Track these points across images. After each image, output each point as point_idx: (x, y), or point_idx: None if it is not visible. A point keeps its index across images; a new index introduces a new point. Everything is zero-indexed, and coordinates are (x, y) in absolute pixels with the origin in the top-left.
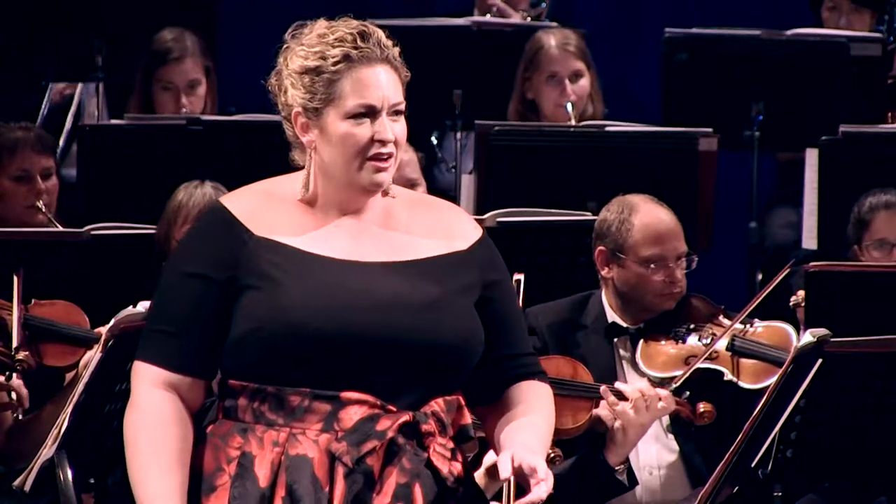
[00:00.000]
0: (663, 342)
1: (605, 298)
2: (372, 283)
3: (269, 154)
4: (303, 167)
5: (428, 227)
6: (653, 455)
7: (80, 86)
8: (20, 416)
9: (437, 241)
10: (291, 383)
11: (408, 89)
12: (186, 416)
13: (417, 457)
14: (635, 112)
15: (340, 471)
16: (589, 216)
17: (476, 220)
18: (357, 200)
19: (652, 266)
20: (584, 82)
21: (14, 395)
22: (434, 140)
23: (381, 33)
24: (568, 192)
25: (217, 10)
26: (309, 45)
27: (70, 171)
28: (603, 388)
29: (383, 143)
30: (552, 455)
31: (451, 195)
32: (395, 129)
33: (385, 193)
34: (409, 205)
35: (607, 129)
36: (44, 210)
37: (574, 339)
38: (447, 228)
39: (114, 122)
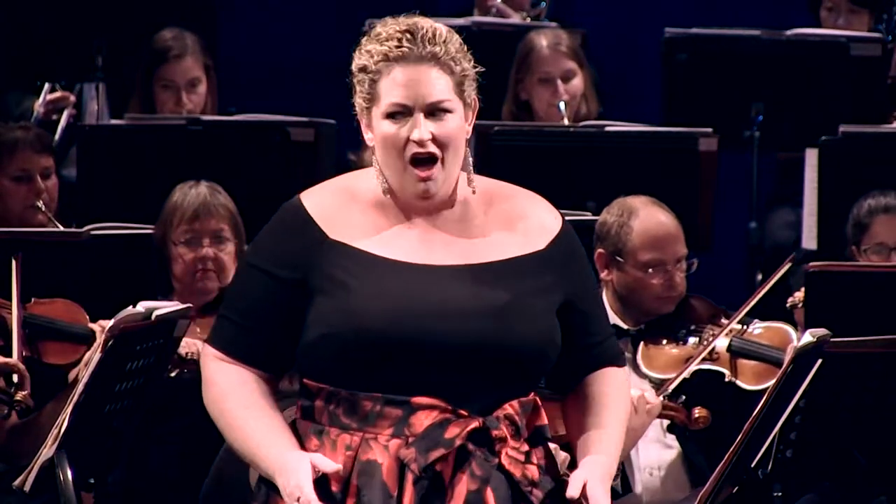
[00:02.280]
0: (664, 344)
1: (606, 300)
2: (441, 287)
3: (268, 154)
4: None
5: (505, 225)
6: (653, 455)
7: (77, 86)
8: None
9: (513, 241)
10: (364, 388)
11: None
12: (261, 382)
13: (488, 462)
14: (635, 112)
15: (410, 477)
16: (588, 216)
17: None
18: (416, 205)
19: (651, 270)
20: (577, 82)
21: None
22: None
23: (434, 30)
24: (567, 192)
25: (217, 9)
26: (364, 43)
27: (70, 171)
28: None
29: (419, 143)
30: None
31: None
32: (436, 128)
33: (469, 183)
34: (487, 199)
35: (607, 129)
36: (44, 210)
37: None
38: (525, 224)
39: (114, 122)
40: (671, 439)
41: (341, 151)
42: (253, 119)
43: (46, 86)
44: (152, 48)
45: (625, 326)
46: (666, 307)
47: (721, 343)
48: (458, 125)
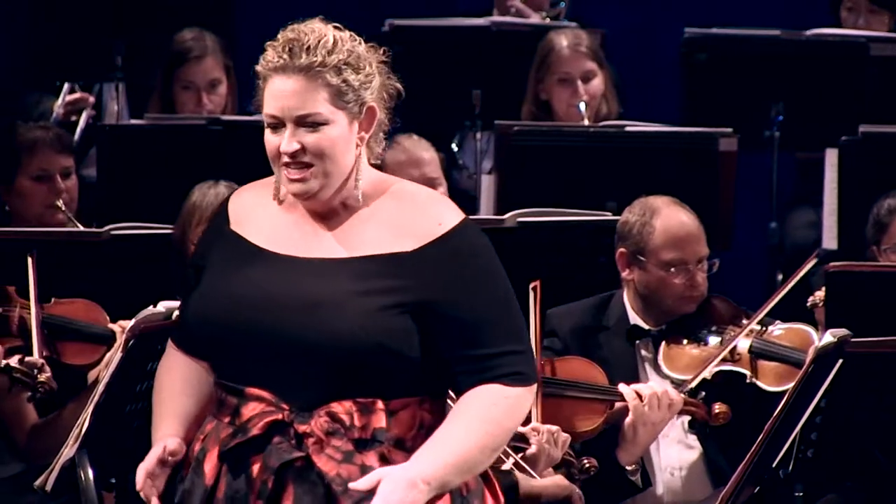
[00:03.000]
0: (685, 344)
1: (627, 300)
2: (279, 278)
3: None
4: None
5: (384, 224)
6: (674, 455)
7: (97, 86)
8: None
9: (384, 240)
10: (217, 374)
11: (427, 89)
12: (196, 366)
13: (284, 454)
14: (654, 112)
15: (225, 467)
16: (609, 216)
17: (495, 219)
18: (305, 204)
19: (672, 269)
20: (597, 82)
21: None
22: (454, 147)
23: (319, 38)
24: (588, 192)
25: (236, 9)
26: (266, 48)
27: (90, 171)
28: (621, 385)
29: (287, 154)
30: (587, 465)
31: (472, 195)
32: (309, 139)
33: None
34: (385, 197)
35: (627, 129)
36: (63, 209)
37: (596, 341)
38: (404, 225)
39: (133, 122)
40: (692, 440)
41: None
42: None
43: (66, 86)
44: (172, 49)
45: (646, 327)
46: (687, 307)
47: (742, 344)
48: (337, 136)
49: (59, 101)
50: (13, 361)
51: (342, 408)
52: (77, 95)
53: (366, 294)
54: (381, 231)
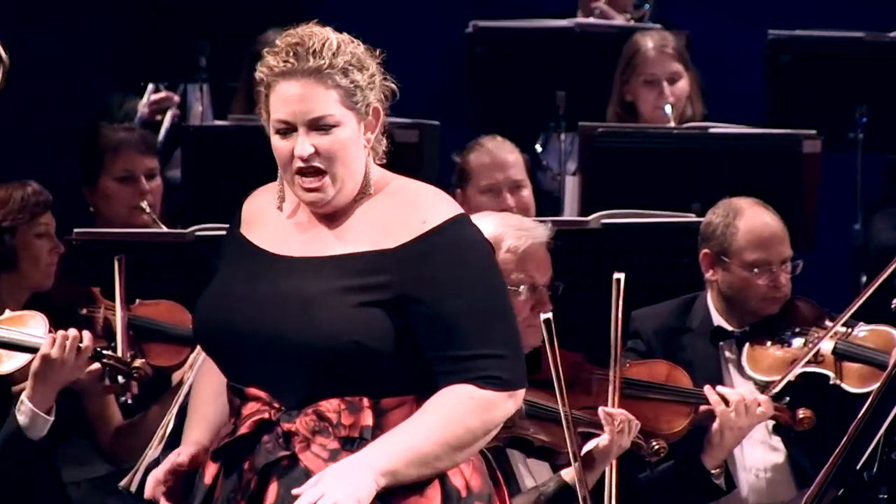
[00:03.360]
0: (769, 346)
1: (711, 301)
2: (267, 277)
3: None
4: None
5: (372, 221)
6: (758, 457)
7: (181, 87)
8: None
9: (368, 237)
10: (227, 377)
11: (511, 91)
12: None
13: (270, 454)
14: (738, 114)
15: (222, 465)
16: (693, 218)
17: (579, 221)
18: (311, 208)
19: (756, 270)
20: (683, 84)
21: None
22: (539, 148)
23: (323, 41)
24: (671, 193)
25: (319, 11)
26: (265, 54)
27: (174, 173)
28: (707, 387)
29: (301, 159)
30: (656, 447)
31: (555, 197)
32: (321, 143)
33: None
34: (381, 195)
35: (710, 130)
36: (148, 211)
37: (679, 343)
38: (389, 222)
39: (218, 122)
40: (777, 441)
41: (445, 153)
42: None
43: (150, 87)
44: (257, 49)
45: (729, 328)
46: (771, 308)
47: (826, 346)
48: (348, 137)
49: (144, 101)
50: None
51: (330, 406)
52: (162, 95)
53: (344, 291)
54: (368, 228)
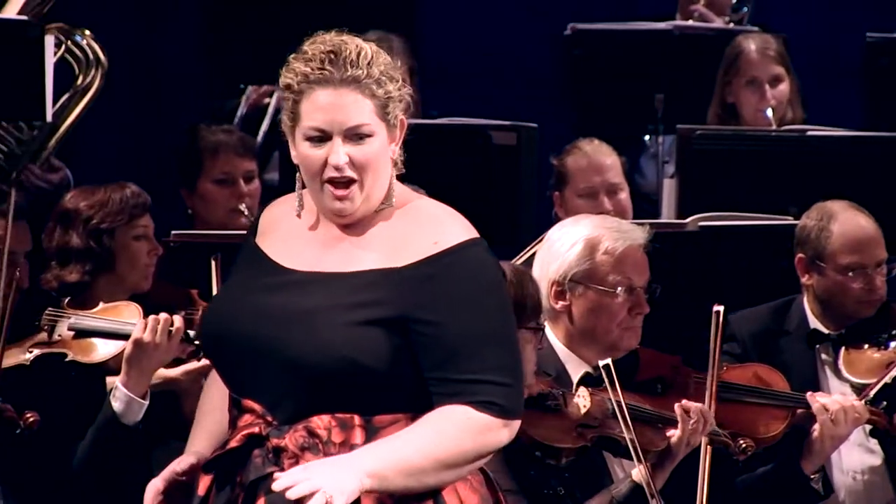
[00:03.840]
0: (865, 348)
1: (807, 304)
2: (271, 290)
3: (470, 158)
4: None
5: (385, 239)
6: (856, 459)
7: (276, 94)
8: None
9: (379, 255)
10: (227, 386)
11: (609, 93)
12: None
13: (258, 470)
14: (836, 117)
15: (214, 478)
16: (790, 221)
17: (676, 223)
18: (334, 219)
19: (851, 274)
20: (784, 87)
21: None
22: (647, 143)
23: (359, 51)
24: (769, 196)
25: (419, 11)
26: (293, 60)
27: (272, 175)
28: (808, 394)
29: (336, 168)
30: (744, 445)
31: (653, 199)
32: (355, 152)
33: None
34: (397, 212)
35: (809, 133)
36: (246, 213)
37: (776, 346)
38: (401, 242)
39: None
40: (874, 444)
41: (543, 155)
42: (455, 122)
43: (249, 89)
44: None
45: (826, 331)
46: (866, 311)
47: None
48: (379, 148)
49: (242, 104)
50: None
51: (321, 422)
52: (264, 89)
53: (346, 308)
54: (381, 246)
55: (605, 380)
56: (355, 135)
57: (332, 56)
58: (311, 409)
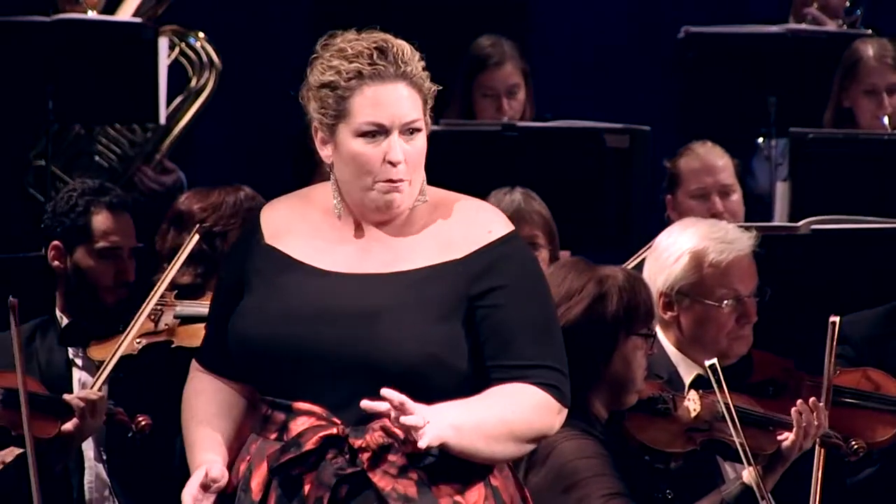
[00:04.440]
0: None
1: None
2: (332, 294)
3: (583, 160)
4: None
5: (435, 234)
6: None
7: None
8: None
9: (435, 250)
10: (261, 391)
11: (722, 96)
12: (228, 388)
13: (341, 470)
14: None
15: (275, 482)
16: None
17: (789, 226)
18: (372, 217)
19: None
20: None
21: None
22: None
23: (402, 48)
24: (882, 199)
25: (531, 17)
26: (328, 58)
27: None
28: None
29: (393, 164)
30: (855, 446)
31: (766, 202)
32: (408, 148)
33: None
34: (432, 208)
35: None
36: None
37: (889, 349)
38: (453, 235)
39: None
40: None
41: (656, 158)
42: (568, 125)
43: None
44: (471, 55)
45: None
46: None
47: None
48: (423, 143)
49: None
50: None
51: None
52: None
53: (419, 306)
54: (430, 243)
55: (712, 381)
56: (409, 129)
57: (380, 52)
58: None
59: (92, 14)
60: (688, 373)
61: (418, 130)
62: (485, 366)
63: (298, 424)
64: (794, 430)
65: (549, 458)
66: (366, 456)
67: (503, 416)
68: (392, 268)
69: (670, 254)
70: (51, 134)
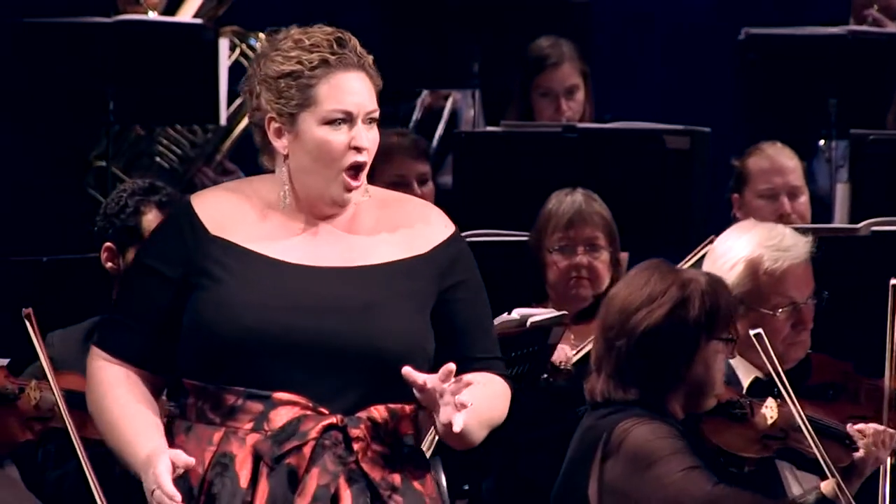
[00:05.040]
0: None
1: None
2: (313, 286)
3: (643, 162)
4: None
5: (392, 230)
6: None
7: (453, 93)
8: None
9: (397, 245)
10: (229, 382)
11: (782, 98)
12: (144, 378)
13: (341, 459)
14: None
15: (264, 471)
16: None
17: (848, 228)
18: (325, 209)
19: None
20: None
21: None
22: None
23: (356, 41)
24: None
25: (592, 16)
26: (285, 50)
27: (446, 178)
28: None
29: (359, 150)
30: None
31: (826, 204)
32: (368, 137)
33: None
34: (379, 205)
35: None
36: None
37: None
38: (412, 230)
39: (489, 128)
40: None
41: (717, 159)
42: (628, 126)
43: (424, 92)
44: (530, 56)
45: None
46: None
47: None
48: (377, 135)
49: (417, 108)
50: None
51: (378, 413)
52: (439, 93)
53: (401, 299)
54: (388, 238)
55: (759, 348)
56: (370, 119)
57: (339, 43)
58: (367, 400)
59: (152, 15)
60: (746, 376)
61: (375, 120)
62: (451, 357)
63: (281, 414)
64: (862, 444)
65: (623, 444)
66: (360, 445)
67: (492, 404)
68: (356, 262)
69: (726, 261)
70: (111, 135)
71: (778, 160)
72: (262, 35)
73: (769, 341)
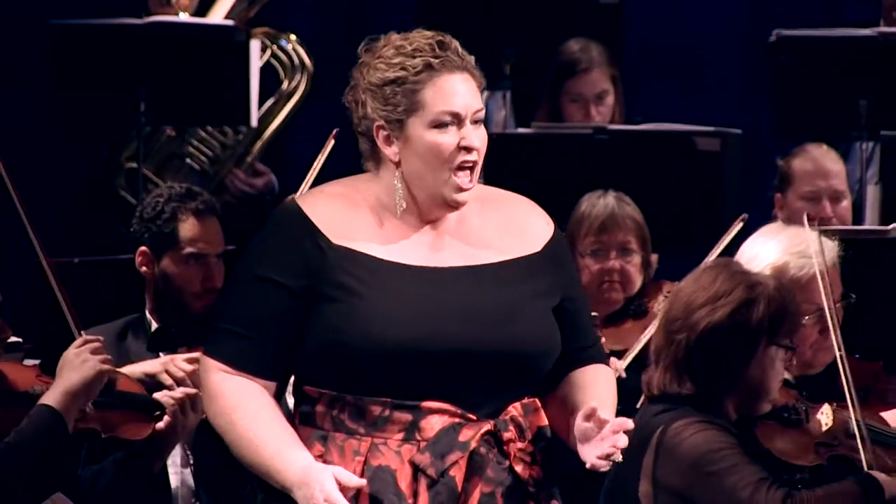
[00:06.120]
0: None
1: None
2: (450, 291)
3: (674, 164)
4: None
5: (500, 228)
6: None
7: (485, 94)
8: None
9: (510, 243)
10: (371, 393)
11: (813, 99)
12: (267, 389)
13: (500, 465)
14: None
15: (423, 482)
16: None
17: (879, 230)
18: (438, 212)
19: None
20: None
21: None
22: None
23: (456, 43)
24: None
25: (622, 18)
26: (387, 57)
27: None
28: None
29: (468, 150)
30: None
31: (857, 205)
32: (478, 136)
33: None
34: (481, 203)
35: None
36: None
37: None
38: (520, 227)
39: (520, 130)
40: None
41: (747, 160)
42: (659, 128)
43: None
44: (560, 60)
45: None
46: None
47: None
48: (486, 134)
49: None
50: None
51: (516, 411)
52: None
53: (536, 297)
54: (498, 234)
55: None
56: (477, 119)
57: (441, 45)
58: (508, 400)
59: (184, 16)
60: None
61: (481, 121)
62: (566, 346)
63: (432, 424)
64: None
65: (679, 448)
66: (512, 447)
67: (613, 403)
68: (476, 260)
69: (752, 266)
70: (142, 136)
71: (822, 163)
72: (293, 37)
73: (798, 348)
